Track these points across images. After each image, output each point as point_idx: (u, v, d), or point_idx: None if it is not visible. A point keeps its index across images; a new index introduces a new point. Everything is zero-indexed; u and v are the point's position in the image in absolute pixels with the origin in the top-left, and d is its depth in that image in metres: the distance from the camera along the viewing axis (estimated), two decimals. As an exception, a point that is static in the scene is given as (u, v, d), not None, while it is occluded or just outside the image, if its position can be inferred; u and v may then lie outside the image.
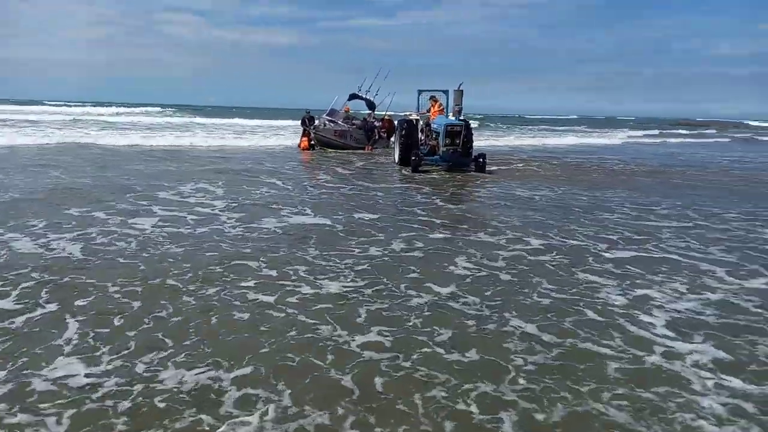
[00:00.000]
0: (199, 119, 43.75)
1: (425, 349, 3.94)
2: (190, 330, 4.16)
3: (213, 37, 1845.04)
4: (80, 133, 23.28)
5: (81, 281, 5.10)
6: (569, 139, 33.18)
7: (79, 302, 4.60)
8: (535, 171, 15.97)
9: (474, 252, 6.47)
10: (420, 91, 17.51)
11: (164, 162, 15.04)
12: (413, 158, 14.44)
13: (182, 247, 6.31)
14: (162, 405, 3.16)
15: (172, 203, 8.92)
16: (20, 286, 4.89)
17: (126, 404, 3.16)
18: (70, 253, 5.94)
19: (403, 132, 16.08)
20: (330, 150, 20.33)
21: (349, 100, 22.47)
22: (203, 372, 3.54)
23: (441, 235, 7.30)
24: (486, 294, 5.09)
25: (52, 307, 4.49)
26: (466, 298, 4.96)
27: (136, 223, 7.37)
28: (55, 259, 5.75)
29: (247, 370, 3.59)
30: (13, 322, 4.18)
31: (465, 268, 5.86)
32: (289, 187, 11.23)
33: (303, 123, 21.23)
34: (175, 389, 3.32)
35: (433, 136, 15.37)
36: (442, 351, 3.91)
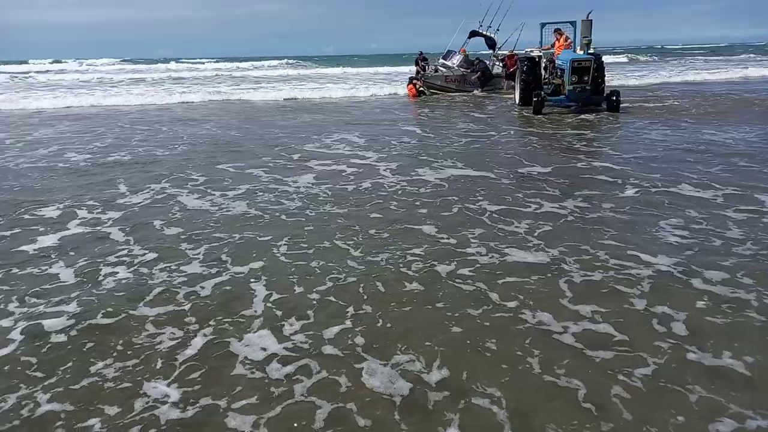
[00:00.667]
0: (312, 70, 42.87)
1: (660, 343, 3.18)
2: (365, 299, 3.81)
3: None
4: (216, 88, 24.22)
5: (255, 240, 4.96)
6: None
7: (255, 264, 4.42)
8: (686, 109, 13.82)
9: (683, 213, 5.44)
10: (543, 24, 15.75)
11: (298, 114, 15.09)
12: (535, 99, 13.24)
13: (346, 206, 5.99)
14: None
15: (324, 156, 8.73)
16: (202, 247, 4.83)
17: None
18: (240, 212, 5.87)
19: (524, 70, 14.82)
20: (442, 94, 19.36)
21: (469, 38, 20.99)
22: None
23: (628, 193, 6.29)
24: (723, 265, 4.16)
25: (237, 269, 4.35)
26: (691, 269, 4.09)
27: (295, 179, 7.22)
28: (226, 217, 5.69)
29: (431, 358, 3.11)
30: (203, 287, 4.07)
31: (676, 234, 4.89)
32: (431, 135, 10.65)
33: (416, 64, 20.78)
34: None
35: (558, 73, 13.81)
36: (683, 344, 3.14)
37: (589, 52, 13.30)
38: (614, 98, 13.22)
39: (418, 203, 6.04)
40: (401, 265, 4.36)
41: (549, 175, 7.18)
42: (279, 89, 22.64)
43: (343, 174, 7.50)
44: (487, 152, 8.93)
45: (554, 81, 13.95)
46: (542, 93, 13.50)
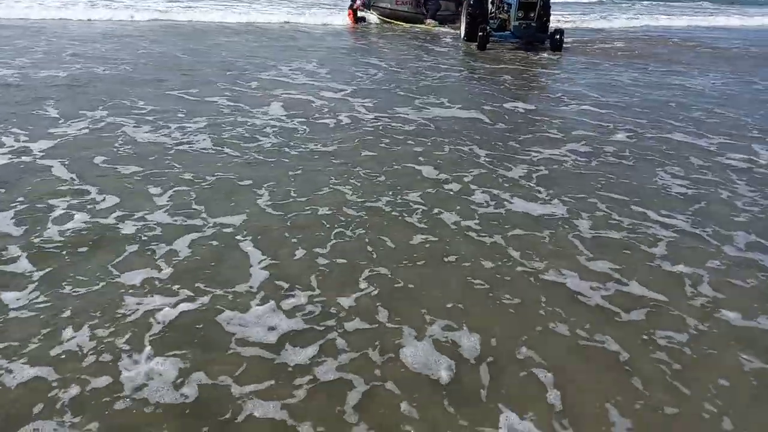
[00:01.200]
0: None
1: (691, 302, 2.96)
2: (374, 258, 3.34)
3: None
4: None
5: (232, 184, 4.29)
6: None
7: (238, 216, 3.79)
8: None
9: (685, 161, 5.24)
10: None
11: (243, 37, 13.73)
12: (480, 33, 12.79)
13: (330, 144, 5.34)
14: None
15: (287, 86, 7.86)
16: (167, 192, 4.11)
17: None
18: (206, 148, 5.10)
19: (471, 2, 14.19)
20: (380, 25, 18.02)
21: None
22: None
23: (619, 137, 6.01)
24: (737, 221, 3.98)
25: (216, 221, 3.70)
26: (706, 223, 3.88)
27: (263, 111, 6.42)
28: (189, 155, 4.93)
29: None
30: (180, 246, 3.41)
31: (682, 185, 4.67)
32: (396, 69, 9.91)
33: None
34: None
35: (504, 8, 13.48)
36: (715, 306, 2.93)
37: None
38: (558, 36, 13.02)
39: (410, 141, 5.50)
40: (405, 214, 3.89)
41: (536, 114, 6.80)
42: (218, 9, 19.93)
43: (316, 106, 6.75)
44: (463, 88, 8.40)
45: (500, 16, 13.63)
46: (488, 28, 13.13)
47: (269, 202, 3.99)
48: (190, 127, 5.69)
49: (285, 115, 6.24)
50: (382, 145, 5.39)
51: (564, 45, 13.10)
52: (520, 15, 12.59)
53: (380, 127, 5.95)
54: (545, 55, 12.49)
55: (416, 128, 5.98)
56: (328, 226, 3.67)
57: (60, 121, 5.69)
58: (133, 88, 7.23)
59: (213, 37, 12.60)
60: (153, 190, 4.12)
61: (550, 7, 13.58)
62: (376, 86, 8.06)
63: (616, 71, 10.29)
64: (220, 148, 5.08)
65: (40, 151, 4.77)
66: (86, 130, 5.45)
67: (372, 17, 19.34)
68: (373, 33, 16.15)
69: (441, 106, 7.00)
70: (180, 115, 6.14)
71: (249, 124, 5.88)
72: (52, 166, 4.45)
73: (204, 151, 5.01)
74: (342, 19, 18.20)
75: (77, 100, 6.55)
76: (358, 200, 4.07)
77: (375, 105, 6.94)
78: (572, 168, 4.97)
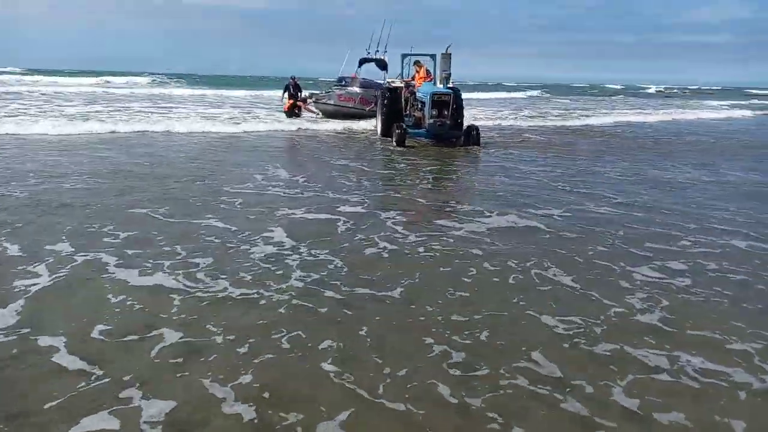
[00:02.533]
0: (191, 91, 38.94)
1: None
2: None
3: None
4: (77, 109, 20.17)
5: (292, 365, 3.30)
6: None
7: None
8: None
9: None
10: (404, 56, 15.55)
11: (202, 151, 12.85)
12: (397, 131, 12.82)
13: (384, 301, 4.49)
14: None
15: (278, 200, 7.00)
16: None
17: None
18: (226, 298, 4.08)
19: (385, 102, 14.38)
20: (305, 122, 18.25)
21: (360, 66, 19.55)
22: None
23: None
24: None
25: None
26: None
27: (265, 236, 5.50)
28: (228, 316, 3.90)
29: None
30: None
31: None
32: (393, 173, 9.36)
33: (286, 90, 19.45)
34: None
35: (418, 106, 13.61)
36: None
37: (449, 86, 13.27)
38: (474, 132, 13.25)
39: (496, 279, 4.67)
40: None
41: (569, 221, 6.32)
42: (158, 118, 17.01)
43: (330, 229, 5.90)
44: (458, 186, 7.95)
45: (415, 113, 13.73)
46: (403, 125, 13.17)
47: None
48: (193, 264, 4.65)
49: (293, 245, 5.30)
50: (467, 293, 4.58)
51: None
52: (434, 113, 12.62)
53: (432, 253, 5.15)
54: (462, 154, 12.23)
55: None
56: None
57: (22, 263, 4.49)
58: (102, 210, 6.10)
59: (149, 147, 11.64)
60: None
61: (462, 103, 13.83)
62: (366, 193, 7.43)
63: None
64: (241, 295, 4.09)
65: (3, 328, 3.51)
66: (60, 276, 4.28)
67: (308, 113, 19.53)
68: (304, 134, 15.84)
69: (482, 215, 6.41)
70: (169, 246, 5.08)
71: (262, 257, 4.92)
72: (25, 365, 3.22)
73: (222, 301, 3.99)
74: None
75: (38, 229, 5.36)
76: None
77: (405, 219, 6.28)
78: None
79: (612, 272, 4.76)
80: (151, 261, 4.69)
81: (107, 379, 2.91)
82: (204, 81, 60.79)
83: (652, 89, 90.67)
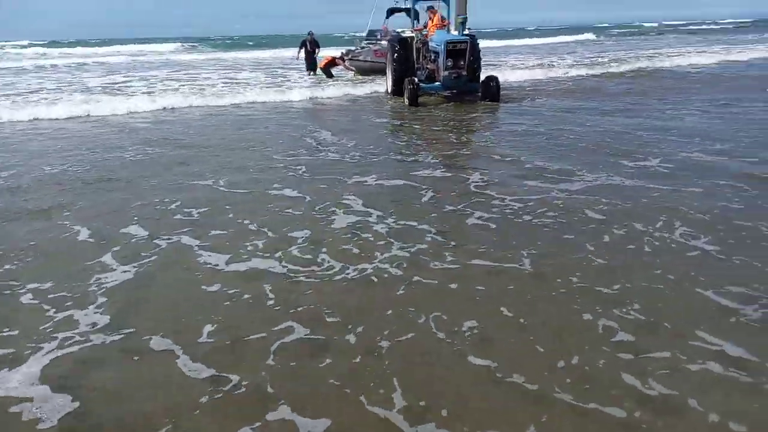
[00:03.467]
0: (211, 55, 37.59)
1: None
2: None
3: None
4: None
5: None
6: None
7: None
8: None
9: None
10: (415, 1, 14.12)
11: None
12: (410, 87, 11.63)
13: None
14: None
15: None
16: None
17: None
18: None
19: (395, 55, 12.83)
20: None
21: (387, 17, 18.13)
22: None
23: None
24: None
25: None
26: None
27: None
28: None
29: None
30: None
31: None
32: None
33: (303, 46, 18.46)
34: None
35: (432, 57, 12.29)
36: None
37: (465, 32, 12.06)
38: (493, 84, 11.97)
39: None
40: None
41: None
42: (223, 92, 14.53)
43: (413, 196, 5.45)
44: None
45: (428, 66, 12.46)
46: (416, 80, 11.96)
47: None
48: (285, 241, 4.26)
49: (384, 212, 4.90)
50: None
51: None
52: (449, 64, 11.47)
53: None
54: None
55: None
56: None
57: (96, 251, 4.15)
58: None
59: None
60: None
61: (480, 53, 12.61)
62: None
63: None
64: (369, 284, 3.68)
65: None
66: (142, 265, 3.93)
67: (347, 71, 18.66)
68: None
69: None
70: (248, 221, 4.70)
71: (354, 228, 4.50)
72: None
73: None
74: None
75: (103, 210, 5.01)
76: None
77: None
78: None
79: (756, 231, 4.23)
80: (236, 241, 4.32)
81: (242, 390, 2.54)
82: (232, 44, 58.25)
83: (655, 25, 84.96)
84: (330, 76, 18.20)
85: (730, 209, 4.70)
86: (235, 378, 2.61)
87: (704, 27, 72.45)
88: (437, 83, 12.06)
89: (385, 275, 3.67)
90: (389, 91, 13.49)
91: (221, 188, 5.81)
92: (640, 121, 8.99)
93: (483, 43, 15.44)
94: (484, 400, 2.44)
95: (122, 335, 3.01)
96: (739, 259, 3.75)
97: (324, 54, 18.92)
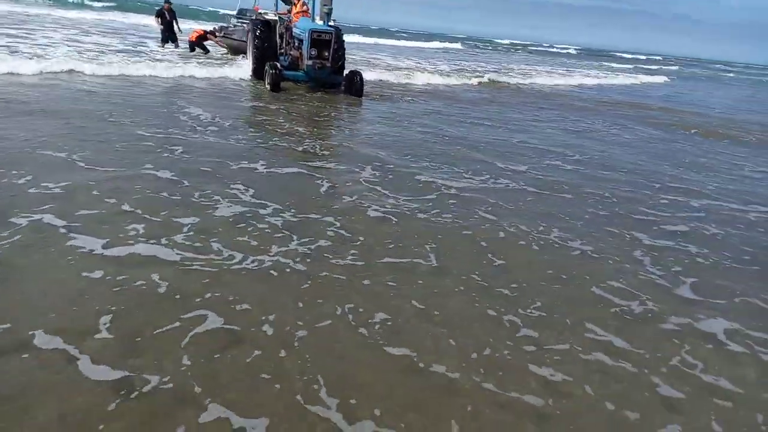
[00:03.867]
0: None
1: None
2: None
3: None
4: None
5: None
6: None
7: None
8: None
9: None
10: None
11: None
12: (273, 71, 11.32)
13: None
14: None
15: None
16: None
17: None
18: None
19: (258, 36, 12.52)
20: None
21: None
22: None
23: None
24: None
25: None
26: None
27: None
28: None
29: None
30: None
31: None
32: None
33: (160, 16, 17.16)
34: None
35: (295, 44, 12.19)
36: None
37: (330, 23, 11.97)
38: (357, 79, 12.00)
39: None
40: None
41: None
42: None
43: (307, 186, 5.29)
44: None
45: (291, 52, 12.31)
46: (278, 66, 11.68)
47: None
48: (172, 228, 3.89)
49: (273, 202, 4.72)
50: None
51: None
52: (313, 53, 11.31)
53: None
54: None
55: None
56: None
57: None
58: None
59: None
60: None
61: (344, 46, 12.52)
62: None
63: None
64: (269, 276, 3.49)
65: None
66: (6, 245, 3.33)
67: (219, 47, 17.61)
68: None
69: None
70: (122, 203, 4.22)
71: (241, 217, 4.26)
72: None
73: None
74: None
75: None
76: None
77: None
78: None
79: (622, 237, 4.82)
80: (114, 224, 3.87)
81: (163, 390, 2.28)
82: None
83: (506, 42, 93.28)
84: (205, 50, 17.10)
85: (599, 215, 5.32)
86: (152, 378, 2.34)
87: (543, 49, 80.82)
88: (300, 72, 11.85)
89: (287, 269, 3.54)
90: (250, 73, 12.94)
91: (79, 163, 5.15)
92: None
93: (349, 38, 15.43)
94: (410, 390, 2.47)
95: (-8, 331, 2.54)
96: (612, 259, 4.26)
97: (194, 27, 17.70)
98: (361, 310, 3.11)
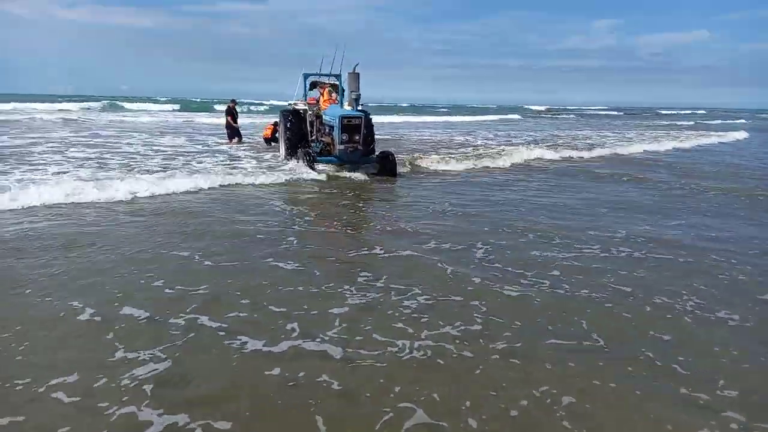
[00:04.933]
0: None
1: None
2: None
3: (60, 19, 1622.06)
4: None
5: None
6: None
7: None
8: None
9: None
10: (306, 75, 14.47)
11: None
12: (307, 157, 11.90)
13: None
14: None
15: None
16: None
17: None
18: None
19: (288, 126, 13.56)
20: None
21: (311, 89, 16.08)
22: None
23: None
24: None
25: None
26: None
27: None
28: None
29: None
30: None
31: None
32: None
33: (229, 113, 18.25)
34: None
35: (326, 130, 12.68)
36: None
37: (358, 108, 12.53)
38: (390, 159, 12.28)
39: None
40: None
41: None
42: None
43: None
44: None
45: (323, 139, 12.85)
46: (310, 152, 12.32)
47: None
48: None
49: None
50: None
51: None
52: (344, 138, 11.67)
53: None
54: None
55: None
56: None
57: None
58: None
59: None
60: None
61: (373, 127, 13.00)
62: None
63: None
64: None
65: None
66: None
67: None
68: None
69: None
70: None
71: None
72: None
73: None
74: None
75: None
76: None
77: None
78: None
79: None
80: (268, 324, 3.93)
81: None
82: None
83: (542, 108, 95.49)
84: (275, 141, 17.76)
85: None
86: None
87: (579, 112, 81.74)
88: (332, 157, 12.24)
89: (453, 355, 3.50)
90: (283, 156, 13.71)
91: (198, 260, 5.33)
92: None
93: (399, 119, 15.80)
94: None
95: None
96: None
97: (267, 122, 18.96)
98: (553, 391, 3.04)
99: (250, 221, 7.08)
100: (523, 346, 3.64)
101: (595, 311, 4.29)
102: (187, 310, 4.07)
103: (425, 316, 4.11)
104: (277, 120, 18.84)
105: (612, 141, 23.43)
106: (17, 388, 2.98)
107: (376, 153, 12.72)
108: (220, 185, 9.76)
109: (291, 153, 13.08)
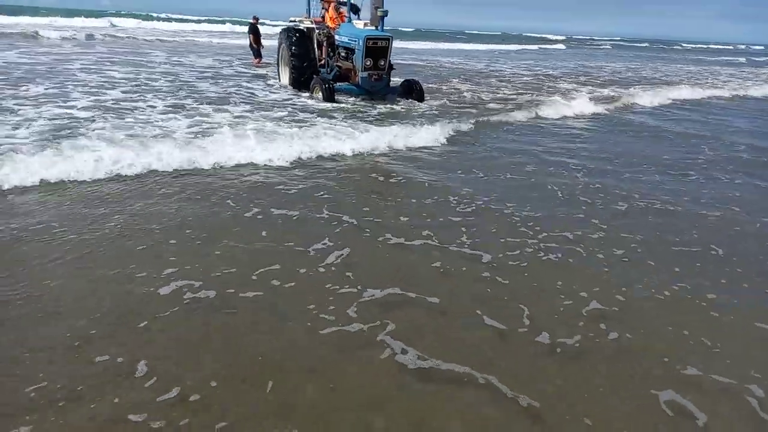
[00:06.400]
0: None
1: None
2: None
3: None
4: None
5: None
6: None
7: None
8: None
9: None
10: None
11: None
12: (325, 86, 10.47)
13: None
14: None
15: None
16: None
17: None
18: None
19: (294, 45, 11.57)
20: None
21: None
22: None
23: None
24: None
25: None
26: None
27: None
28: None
29: None
30: None
31: None
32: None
33: (253, 31, 17.77)
34: None
35: (342, 54, 11.15)
36: None
37: (384, 29, 11.00)
38: (417, 87, 11.37)
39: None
40: None
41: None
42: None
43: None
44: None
45: (338, 64, 11.30)
46: (329, 80, 10.85)
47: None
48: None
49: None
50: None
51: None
52: (367, 64, 10.29)
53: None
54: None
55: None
56: None
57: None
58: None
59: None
60: None
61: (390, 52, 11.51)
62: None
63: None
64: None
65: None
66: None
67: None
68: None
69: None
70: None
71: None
72: None
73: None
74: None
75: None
76: None
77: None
78: None
79: None
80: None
81: None
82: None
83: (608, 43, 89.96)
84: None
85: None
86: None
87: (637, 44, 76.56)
88: (351, 84, 10.94)
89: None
90: (287, 82, 12.25)
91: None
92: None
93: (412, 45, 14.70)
94: None
95: None
96: None
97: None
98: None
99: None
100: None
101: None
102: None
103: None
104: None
105: (705, 79, 21.95)
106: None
107: (401, 81, 11.68)
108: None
109: (298, 82, 11.51)
